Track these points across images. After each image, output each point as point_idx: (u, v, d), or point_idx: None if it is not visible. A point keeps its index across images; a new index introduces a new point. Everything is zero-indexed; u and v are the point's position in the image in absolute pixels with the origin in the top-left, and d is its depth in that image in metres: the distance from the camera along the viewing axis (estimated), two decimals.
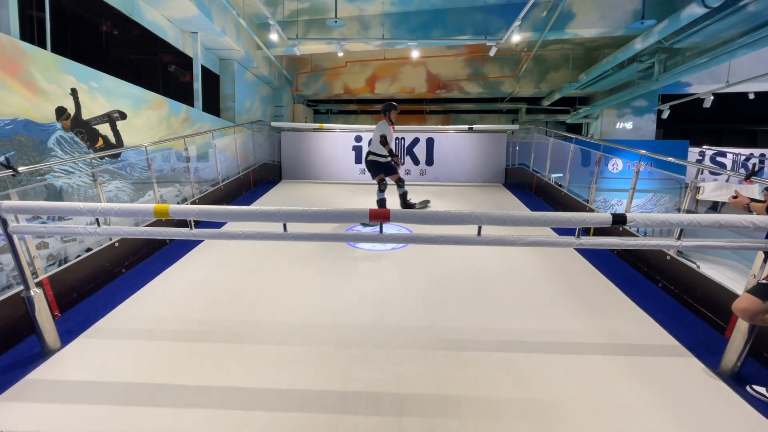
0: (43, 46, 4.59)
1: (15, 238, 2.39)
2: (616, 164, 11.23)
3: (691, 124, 14.11)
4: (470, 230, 2.30)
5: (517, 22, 7.23)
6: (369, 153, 5.41)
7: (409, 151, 9.08)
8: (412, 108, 14.84)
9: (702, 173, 3.97)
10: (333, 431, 1.97)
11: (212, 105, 9.06)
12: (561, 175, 7.45)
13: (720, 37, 7.45)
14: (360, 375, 2.39)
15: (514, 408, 2.14)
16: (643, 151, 4.78)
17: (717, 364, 2.46)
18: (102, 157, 5.13)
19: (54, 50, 4.65)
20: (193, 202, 5.83)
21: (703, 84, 10.92)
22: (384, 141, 5.17)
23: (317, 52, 10.93)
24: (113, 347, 2.66)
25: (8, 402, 2.14)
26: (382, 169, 5.38)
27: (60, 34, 4.99)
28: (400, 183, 5.61)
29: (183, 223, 2.42)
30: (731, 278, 6.72)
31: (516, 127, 9.39)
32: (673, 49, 8.65)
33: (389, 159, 5.30)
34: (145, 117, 6.09)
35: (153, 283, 3.65)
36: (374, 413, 2.08)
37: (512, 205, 7.04)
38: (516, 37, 7.93)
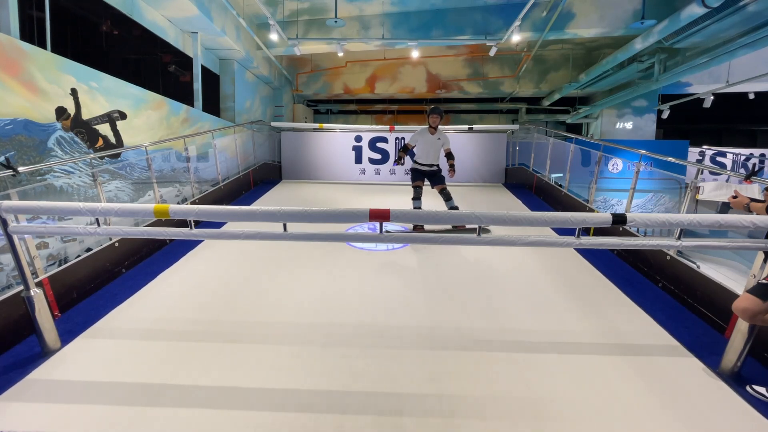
0: (43, 46, 4.59)
1: (15, 238, 2.39)
2: (616, 164, 11.22)
3: (691, 124, 14.10)
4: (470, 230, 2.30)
5: (517, 22, 7.23)
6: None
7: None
8: (412, 108, 14.85)
9: (702, 173, 3.97)
10: (333, 431, 1.97)
11: (212, 105, 9.06)
12: (561, 175, 7.45)
13: (720, 37, 7.45)
14: (360, 375, 2.39)
15: (515, 408, 2.14)
16: (643, 151, 4.78)
17: (717, 364, 2.46)
18: (102, 157, 5.12)
19: (54, 50, 4.65)
20: (193, 202, 5.84)
21: (703, 84, 10.91)
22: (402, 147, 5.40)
23: (317, 52, 10.92)
24: (113, 347, 2.66)
25: (8, 402, 2.14)
26: (420, 175, 5.18)
27: (60, 34, 4.98)
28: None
29: (183, 223, 2.42)
30: (731, 278, 6.71)
31: (516, 127, 9.39)
32: (673, 49, 8.65)
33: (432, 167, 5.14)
34: (145, 117, 6.08)
35: (153, 283, 3.65)
36: (375, 413, 2.08)
37: (512, 205, 7.04)
38: (516, 37, 7.94)
